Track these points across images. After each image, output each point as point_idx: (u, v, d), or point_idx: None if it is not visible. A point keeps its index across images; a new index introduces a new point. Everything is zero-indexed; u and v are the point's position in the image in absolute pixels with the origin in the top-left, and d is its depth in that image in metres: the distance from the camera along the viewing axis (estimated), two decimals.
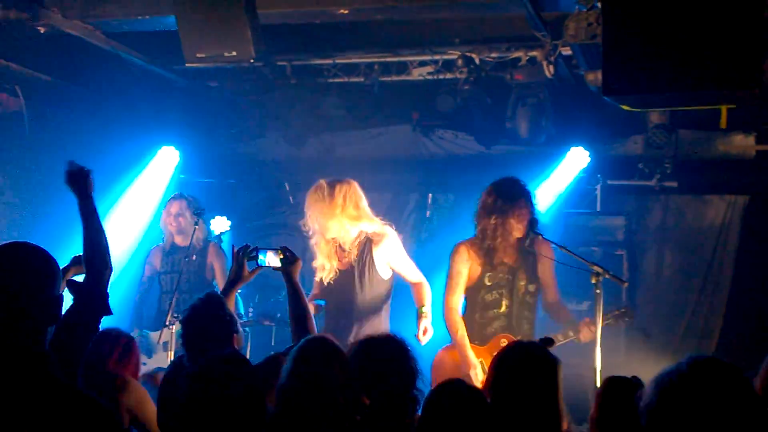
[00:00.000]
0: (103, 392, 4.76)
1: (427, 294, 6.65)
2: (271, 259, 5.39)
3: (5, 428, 2.64)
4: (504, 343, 6.23)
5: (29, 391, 2.70)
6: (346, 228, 6.52)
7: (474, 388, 3.91)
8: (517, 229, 6.61)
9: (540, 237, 6.59)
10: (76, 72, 9.41)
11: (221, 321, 4.71)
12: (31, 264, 2.95)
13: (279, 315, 8.47)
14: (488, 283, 6.72)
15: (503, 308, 6.71)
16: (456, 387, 3.87)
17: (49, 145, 9.75)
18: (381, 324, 6.46)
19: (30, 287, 2.89)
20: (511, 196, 6.63)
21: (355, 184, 6.70)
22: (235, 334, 4.77)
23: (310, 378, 3.85)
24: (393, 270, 6.64)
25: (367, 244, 6.54)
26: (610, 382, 3.91)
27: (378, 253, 6.55)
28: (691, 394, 2.71)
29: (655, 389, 2.79)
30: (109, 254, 4.03)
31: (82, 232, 4.06)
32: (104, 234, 4.07)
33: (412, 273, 6.74)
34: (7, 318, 2.83)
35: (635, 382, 3.78)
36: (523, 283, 6.70)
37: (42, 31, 7.97)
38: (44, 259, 3.00)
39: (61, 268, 3.12)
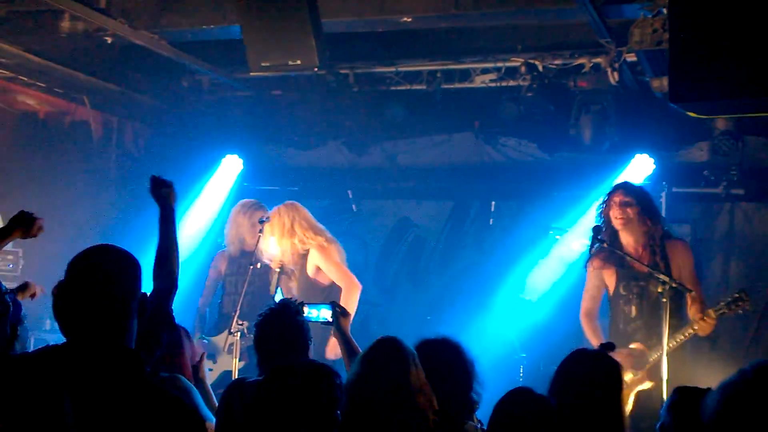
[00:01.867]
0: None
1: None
2: (324, 313, 5.39)
3: (107, 425, 2.66)
4: None
5: (129, 391, 2.72)
6: (296, 240, 7.48)
7: (541, 396, 3.89)
8: None
9: None
10: (142, 81, 9.56)
11: (298, 328, 4.72)
12: (123, 264, 2.94)
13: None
14: None
15: None
16: (523, 394, 3.86)
17: (116, 153, 9.91)
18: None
19: (124, 288, 2.89)
20: None
21: (299, 206, 7.71)
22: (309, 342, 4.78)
23: (381, 379, 3.85)
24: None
25: (304, 256, 7.50)
26: (680, 392, 3.86)
27: (312, 259, 7.48)
28: (757, 400, 2.65)
29: (719, 397, 2.74)
30: (177, 271, 4.04)
31: (158, 242, 4.10)
32: (178, 248, 4.13)
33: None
34: (109, 317, 2.84)
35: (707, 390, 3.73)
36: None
37: (109, 42, 8.10)
38: (132, 259, 2.99)
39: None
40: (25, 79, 8.90)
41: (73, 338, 2.80)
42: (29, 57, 8.28)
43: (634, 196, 6.77)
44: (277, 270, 7.41)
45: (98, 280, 2.85)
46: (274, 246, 7.47)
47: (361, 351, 4.96)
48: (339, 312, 5.34)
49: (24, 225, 4.85)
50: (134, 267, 2.96)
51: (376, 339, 4.11)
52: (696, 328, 6.29)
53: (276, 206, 7.62)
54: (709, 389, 3.73)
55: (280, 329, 4.64)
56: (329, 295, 7.10)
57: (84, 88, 9.47)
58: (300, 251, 7.49)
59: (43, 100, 9.51)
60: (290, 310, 4.77)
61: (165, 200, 4.25)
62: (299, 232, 7.50)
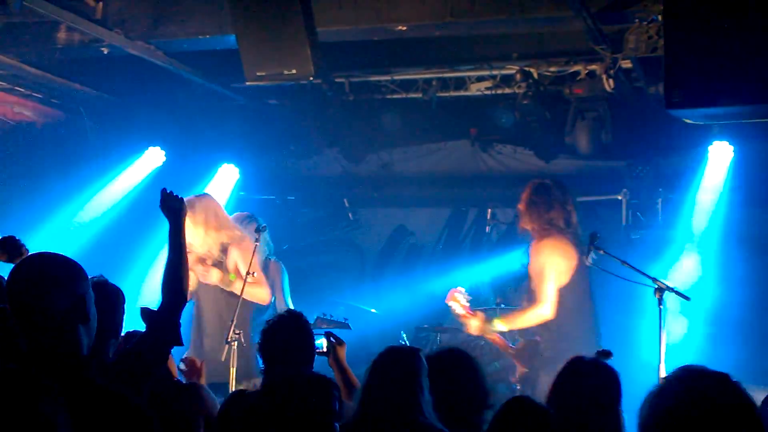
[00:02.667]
0: (180, 401, 4.78)
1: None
2: (318, 343, 5.37)
3: (38, 426, 2.70)
4: None
5: (63, 390, 2.73)
6: (210, 238, 7.22)
7: (540, 405, 3.89)
8: None
9: None
10: (138, 91, 9.57)
11: (303, 337, 4.71)
12: (51, 270, 3.00)
13: None
14: None
15: None
16: (523, 403, 3.87)
17: (112, 162, 9.92)
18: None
19: (51, 292, 2.95)
20: None
21: (212, 197, 7.53)
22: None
23: (390, 388, 3.86)
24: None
25: (225, 251, 7.30)
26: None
27: (232, 256, 7.30)
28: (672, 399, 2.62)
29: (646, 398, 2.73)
30: (185, 285, 4.07)
31: (167, 257, 4.12)
32: (186, 264, 4.14)
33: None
34: (36, 323, 2.92)
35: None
36: None
37: (105, 52, 8.10)
38: (64, 264, 3.05)
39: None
40: (22, 90, 8.92)
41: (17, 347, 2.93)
42: (26, 68, 8.29)
43: None
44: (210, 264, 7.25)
45: (30, 292, 2.95)
46: (198, 240, 7.17)
47: (358, 381, 5.00)
48: (335, 342, 5.34)
49: (9, 251, 4.97)
50: (65, 268, 3.04)
51: (386, 348, 4.12)
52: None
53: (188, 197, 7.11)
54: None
55: (285, 337, 4.64)
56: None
57: (81, 98, 9.48)
58: (221, 246, 7.30)
59: (40, 110, 9.52)
60: (297, 318, 4.77)
61: (175, 215, 4.26)
62: (224, 224, 7.38)
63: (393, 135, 10.24)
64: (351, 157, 10.48)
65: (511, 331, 7.34)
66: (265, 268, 8.12)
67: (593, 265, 6.64)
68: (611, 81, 8.35)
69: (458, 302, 7.21)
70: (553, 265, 7.01)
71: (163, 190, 4.39)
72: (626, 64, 8.18)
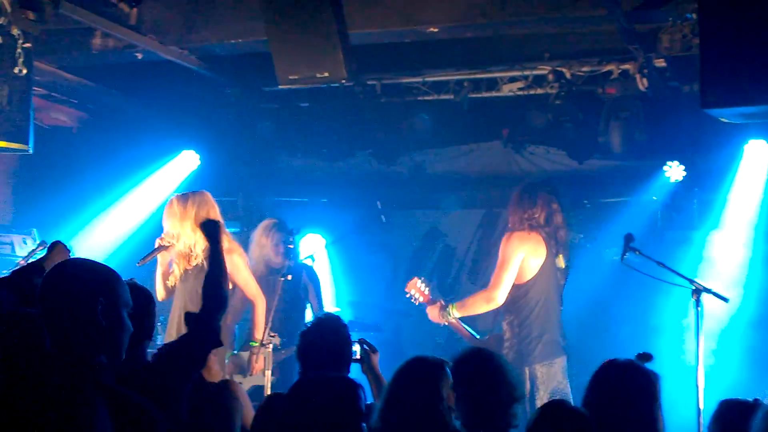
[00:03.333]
0: (219, 400, 4.82)
1: (260, 321, 7.21)
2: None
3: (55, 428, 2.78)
4: None
5: (76, 394, 2.84)
6: (198, 236, 6.76)
7: (576, 408, 3.88)
8: None
9: None
10: (172, 96, 9.65)
11: (341, 341, 4.74)
12: (68, 276, 3.10)
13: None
14: None
15: None
16: (558, 407, 3.85)
17: (146, 166, 9.99)
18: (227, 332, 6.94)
19: (65, 298, 3.03)
20: None
21: (208, 195, 7.07)
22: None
23: (412, 398, 3.87)
24: (234, 283, 7.02)
25: None
26: (726, 405, 3.85)
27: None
28: None
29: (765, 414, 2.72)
30: (225, 291, 4.21)
31: (209, 270, 4.31)
32: (226, 277, 4.33)
33: (249, 290, 7.32)
34: (51, 326, 3.01)
35: (754, 404, 3.72)
36: None
37: (139, 57, 8.17)
38: (84, 270, 3.14)
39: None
40: (58, 95, 9.01)
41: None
42: (62, 74, 8.39)
43: None
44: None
45: (51, 298, 3.05)
46: (183, 235, 6.98)
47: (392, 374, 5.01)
48: (368, 349, 5.34)
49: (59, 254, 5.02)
50: (81, 280, 3.09)
51: (409, 359, 4.14)
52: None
53: (183, 193, 7.16)
54: (756, 403, 3.72)
55: (323, 341, 4.67)
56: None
57: (115, 103, 9.57)
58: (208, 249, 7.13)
59: (76, 115, 9.61)
60: (336, 322, 4.80)
61: (210, 234, 4.50)
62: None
63: (425, 137, 10.23)
64: (383, 159, 10.49)
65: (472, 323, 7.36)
66: (297, 270, 8.13)
67: (628, 266, 6.58)
68: (645, 80, 8.31)
69: (418, 290, 7.28)
70: (517, 257, 7.02)
71: (208, 221, 4.67)
72: (660, 63, 8.13)
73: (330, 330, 4.73)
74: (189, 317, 4.15)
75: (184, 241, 6.92)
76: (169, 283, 7.05)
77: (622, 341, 8.76)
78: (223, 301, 4.18)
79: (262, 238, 8.25)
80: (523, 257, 7.02)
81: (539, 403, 6.32)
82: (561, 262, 7.14)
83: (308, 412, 3.84)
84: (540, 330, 6.97)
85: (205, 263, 6.69)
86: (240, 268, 7.20)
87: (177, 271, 7.02)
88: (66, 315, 3.01)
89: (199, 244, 6.88)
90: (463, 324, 7.22)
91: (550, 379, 6.85)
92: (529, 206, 7.14)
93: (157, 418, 2.97)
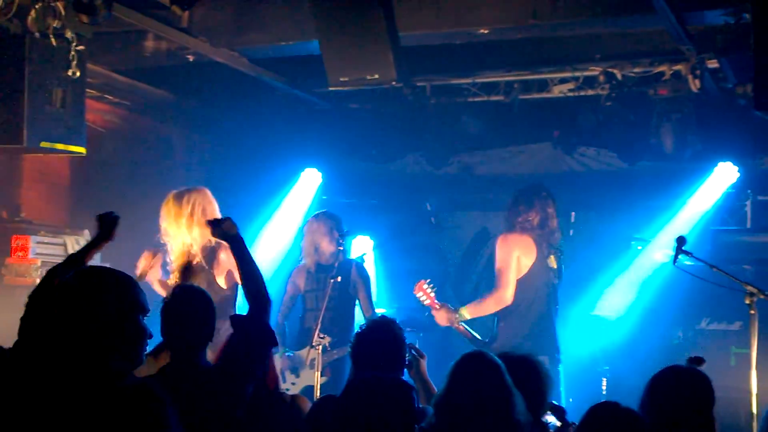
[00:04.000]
0: (281, 409, 4.84)
1: None
2: None
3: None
4: None
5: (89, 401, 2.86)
6: (194, 233, 6.65)
7: (628, 409, 3.85)
8: None
9: None
10: (222, 97, 9.72)
11: (396, 344, 4.74)
12: (98, 287, 3.09)
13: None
14: None
15: None
16: (611, 408, 3.83)
17: (197, 167, 10.08)
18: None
19: (97, 310, 3.03)
20: None
21: (206, 191, 6.86)
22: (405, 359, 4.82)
23: (471, 393, 3.86)
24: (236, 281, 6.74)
25: (213, 251, 6.72)
26: None
27: (222, 259, 6.71)
28: None
29: None
30: (264, 290, 4.22)
31: (239, 270, 4.36)
32: (259, 270, 4.35)
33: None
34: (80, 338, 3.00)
35: None
36: None
37: (191, 59, 8.25)
38: (112, 280, 3.14)
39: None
40: (111, 97, 9.11)
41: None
42: (115, 76, 8.49)
43: None
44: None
45: (71, 304, 3.04)
46: (178, 235, 6.77)
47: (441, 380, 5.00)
48: (416, 354, 5.34)
49: (107, 230, 4.92)
50: (116, 288, 3.10)
51: (464, 354, 4.12)
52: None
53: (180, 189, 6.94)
54: None
55: (379, 342, 4.68)
56: (224, 304, 6.50)
57: (167, 105, 9.66)
58: (210, 244, 6.76)
59: (128, 117, 9.71)
60: (392, 325, 4.80)
61: (227, 234, 4.49)
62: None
63: (474, 138, 10.23)
64: (432, 160, 10.50)
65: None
66: (347, 270, 8.14)
67: (681, 269, 6.52)
68: (697, 81, 8.23)
69: (425, 292, 7.42)
70: (513, 257, 7.26)
71: (208, 222, 4.66)
72: (713, 63, 8.05)
73: (386, 331, 4.74)
74: (236, 320, 4.19)
75: (182, 240, 6.72)
76: (170, 282, 6.82)
77: (677, 346, 8.69)
78: (267, 299, 4.24)
79: (313, 224, 8.24)
80: (517, 256, 7.26)
81: None
82: (553, 262, 7.38)
83: (362, 412, 3.84)
84: (528, 328, 7.20)
85: (203, 262, 6.72)
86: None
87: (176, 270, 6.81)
88: (87, 322, 3.01)
89: (196, 243, 6.71)
90: (466, 327, 7.35)
91: None
92: (525, 210, 7.39)
93: (164, 401, 2.96)
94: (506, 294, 7.22)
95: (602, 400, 4.04)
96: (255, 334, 4.09)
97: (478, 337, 7.38)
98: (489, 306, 7.32)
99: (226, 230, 4.50)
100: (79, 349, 2.98)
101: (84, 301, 3.03)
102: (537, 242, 7.28)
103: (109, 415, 2.84)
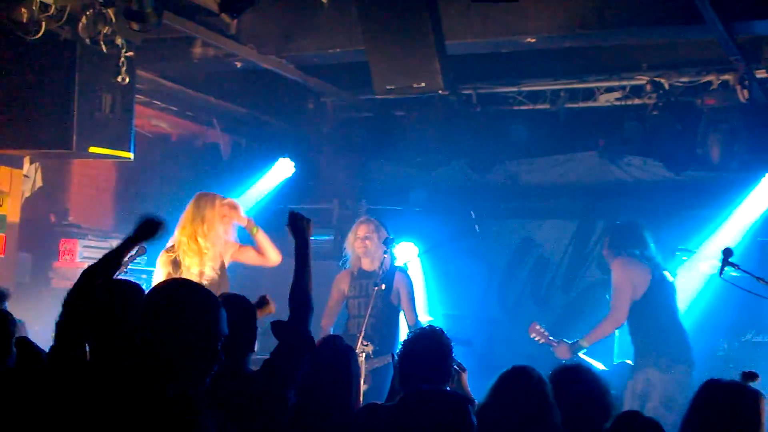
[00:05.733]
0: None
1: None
2: None
3: None
4: None
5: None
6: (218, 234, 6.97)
7: (650, 420, 3.82)
8: None
9: None
10: (268, 104, 9.79)
11: (443, 353, 4.74)
12: (187, 305, 3.08)
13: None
14: None
15: None
16: (634, 417, 3.82)
17: (243, 173, 10.15)
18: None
19: (181, 330, 3.03)
20: None
21: (210, 195, 7.12)
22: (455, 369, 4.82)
23: (511, 409, 3.87)
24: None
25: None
26: None
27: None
28: None
29: None
30: (310, 297, 4.26)
31: (294, 273, 4.35)
32: (310, 277, 4.34)
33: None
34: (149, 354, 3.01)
35: None
36: None
37: (238, 66, 8.31)
38: (202, 300, 3.13)
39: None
40: (159, 103, 9.21)
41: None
42: (163, 82, 8.57)
43: None
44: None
45: (155, 319, 3.05)
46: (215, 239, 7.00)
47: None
48: (457, 368, 5.33)
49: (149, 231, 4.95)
50: (202, 310, 3.09)
51: (509, 369, 4.13)
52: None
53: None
54: None
55: (425, 354, 4.67)
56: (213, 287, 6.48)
57: (214, 111, 9.75)
58: (223, 249, 7.06)
59: (175, 123, 9.81)
60: (439, 335, 4.80)
61: (302, 234, 4.47)
62: (228, 225, 7.17)
63: (520, 146, 10.22)
64: (477, 168, 10.50)
65: None
66: (391, 276, 8.15)
67: (727, 281, 6.47)
68: (745, 91, 8.16)
69: (539, 332, 7.80)
70: (628, 279, 7.47)
71: (291, 212, 4.59)
72: (761, 74, 8.00)
73: (434, 341, 4.74)
74: (278, 326, 4.22)
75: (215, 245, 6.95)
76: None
77: (721, 357, 8.61)
78: (310, 307, 4.25)
79: (359, 227, 8.26)
80: (633, 278, 7.46)
81: (649, 406, 6.93)
82: (669, 276, 7.63)
83: (420, 426, 3.86)
84: (656, 341, 7.40)
85: (215, 271, 6.82)
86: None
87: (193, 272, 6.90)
88: (165, 342, 2.99)
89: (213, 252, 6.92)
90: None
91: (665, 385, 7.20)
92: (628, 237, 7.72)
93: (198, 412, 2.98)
94: (620, 316, 7.45)
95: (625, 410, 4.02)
96: (295, 340, 4.12)
97: (601, 365, 7.87)
98: (606, 329, 7.60)
99: (302, 227, 4.51)
100: (144, 365, 2.98)
101: (177, 319, 3.01)
102: (641, 262, 7.53)
103: (148, 424, 2.85)
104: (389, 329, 7.99)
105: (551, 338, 7.69)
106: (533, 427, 3.87)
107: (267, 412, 4.05)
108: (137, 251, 5.48)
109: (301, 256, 4.38)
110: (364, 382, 7.19)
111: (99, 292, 3.76)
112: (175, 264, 6.90)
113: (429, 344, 4.70)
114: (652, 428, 3.77)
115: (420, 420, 3.65)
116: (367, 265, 8.17)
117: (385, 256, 7.80)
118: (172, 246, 6.95)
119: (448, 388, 5.03)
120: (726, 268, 6.40)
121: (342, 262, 8.41)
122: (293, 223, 4.52)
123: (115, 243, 8.10)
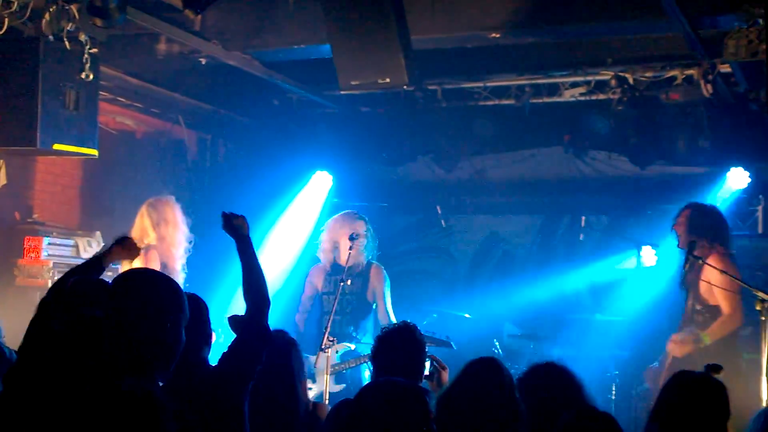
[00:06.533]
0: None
1: None
2: None
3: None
4: None
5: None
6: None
7: (606, 414, 3.83)
8: None
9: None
10: (233, 100, 9.75)
11: (415, 348, 4.76)
12: (153, 292, 3.19)
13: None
14: None
15: None
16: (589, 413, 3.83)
17: (209, 170, 10.10)
18: None
19: (149, 316, 3.14)
20: None
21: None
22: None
23: (476, 399, 3.89)
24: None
25: None
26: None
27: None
28: None
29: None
30: (266, 289, 4.24)
31: (242, 270, 4.35)
32: (262, 271, 4.35)
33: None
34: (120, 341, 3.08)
35: None
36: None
37: (203, 63, 8.27)
38: (167, 287, 3.27)
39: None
40: (123, 100, 9.14)
41: None
42: (127, 79, 8.50)
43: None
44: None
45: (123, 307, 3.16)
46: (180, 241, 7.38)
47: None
48: (437, 366, 5.35)
49: (126, 248, 5.04)
50: (167, 297, 3.22)
51: (472, 360, 4.14)
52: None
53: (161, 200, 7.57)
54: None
55: (399, 349, 4.69)
56: None
57: (179, 108, 9.69)
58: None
59: (140, 119, 9.74)
60: (412, 332, 4.81)
61: (237, 232, 4.47)
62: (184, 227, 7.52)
63: (485, 141, 10.25)
64: (443, 163, 10.51)
65: None
66: (366, 272, 8.13)
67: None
68: (709, 86, 8.21)
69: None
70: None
71: (224, 214, 4.57)
72: (725, 68, 8.04)
73: (405, 340, 4.76)
74: (234, 321, 4.22)
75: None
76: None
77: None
78: (266, 300, 4.25)
79: (336, 223, 8.25)
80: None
81: None
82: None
83: (376, 416, 3.85)
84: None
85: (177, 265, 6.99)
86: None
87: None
88: (135, 327, 3.07)
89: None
90: None
91: None
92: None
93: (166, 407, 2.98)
94: (740, 315, 6.89)
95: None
96: (253, 334, 4.11)
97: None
98: (725, 328, 6.91)
99: (237, 226, 4.50)
100: (106, 360, 3.03)
101: (144, 306, 3.11)
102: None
103: (108, 420, 2.86)
104: (365, 328, 7.99)
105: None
106: (497, 413, 3.89)
107: (224, 407, 4.04)
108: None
109: (244, 253, 4.38)
110: (342, 382, 7.19)
111: (67, 288, 3.76)
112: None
113: (403, 340, 4.73)
114: (605, 423, 3.76)
115: (376, 411, 3.64)
116: (340, 260, 8.14)
117: (350, 251, 7.78)
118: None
119: (426, 384, 5.05)
120: (689, 261, 6.47)
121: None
122: (227, 224, 4.52)
123: (79, 240, 8.16)
